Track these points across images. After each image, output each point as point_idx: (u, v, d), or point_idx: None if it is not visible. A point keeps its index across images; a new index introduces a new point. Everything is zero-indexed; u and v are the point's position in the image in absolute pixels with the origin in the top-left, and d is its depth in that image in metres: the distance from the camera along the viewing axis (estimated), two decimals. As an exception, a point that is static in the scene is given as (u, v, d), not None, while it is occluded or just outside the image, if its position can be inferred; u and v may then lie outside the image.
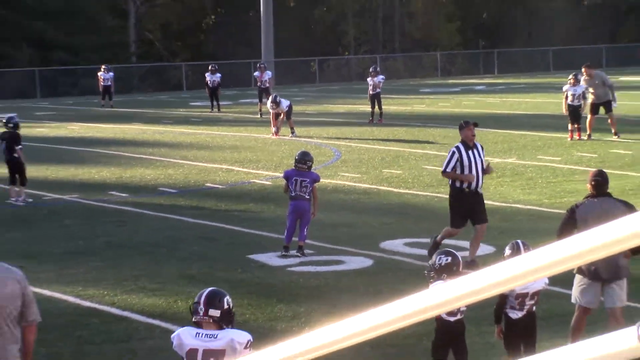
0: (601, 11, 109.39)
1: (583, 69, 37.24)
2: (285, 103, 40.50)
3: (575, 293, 13.25)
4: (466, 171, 18.35)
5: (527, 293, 11.88)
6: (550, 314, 13.73)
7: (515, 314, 12.08)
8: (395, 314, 2.73)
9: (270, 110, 41.50)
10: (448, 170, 18.69)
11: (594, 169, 15.32)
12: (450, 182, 19.02)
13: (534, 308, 12.26)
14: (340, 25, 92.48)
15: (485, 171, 18.80)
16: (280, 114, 41.34)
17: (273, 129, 40.15)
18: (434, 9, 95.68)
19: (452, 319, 11.80)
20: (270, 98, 41.53)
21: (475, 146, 18.74)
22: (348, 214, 24.28)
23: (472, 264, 16.63)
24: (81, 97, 66.17)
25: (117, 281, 18.13)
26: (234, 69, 65.36)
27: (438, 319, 11.88)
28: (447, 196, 26.01)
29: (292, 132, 40.63)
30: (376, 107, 43.96)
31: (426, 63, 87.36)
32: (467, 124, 19.05)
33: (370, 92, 44.31)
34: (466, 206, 18.70)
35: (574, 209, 13.34)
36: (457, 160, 18.45)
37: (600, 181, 13.67)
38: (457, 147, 18.67)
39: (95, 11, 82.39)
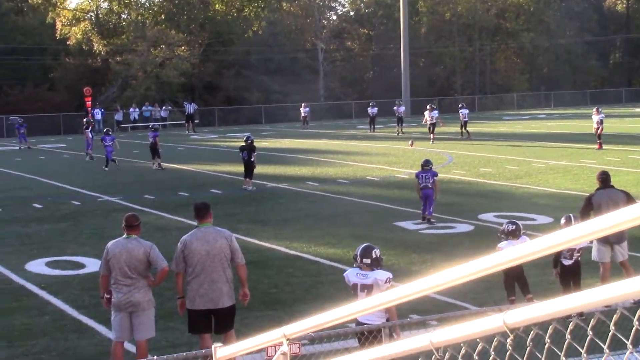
0: (622, 66, 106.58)
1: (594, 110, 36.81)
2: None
3: (594, 253, 13.12)
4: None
5: (575, 248, 11.68)
6: (589, 262, 13.37)
7: (567, 262, 12.00)
8: (489, 263, 2.69)
9: (429, 121, 43.00)
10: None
11: (600, 169, 15.30)
12: None
13: (580, 258, 12.12)
14: (452, 77, 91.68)
15: None
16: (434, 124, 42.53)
17: (430, 137, 41.41)
18: (512, 66, 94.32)
19: (567, 263, 11.83)
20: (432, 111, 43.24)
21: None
22: (457, 196, 24.06)
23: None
24: (289, 123, 66.76)
25: (311, 238, 18.25)
26: (385, 105, 65.17)
27: (559, 264, 12.12)
28: (523, 185, 25.63)
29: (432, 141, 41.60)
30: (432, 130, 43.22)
31: (506, 100, 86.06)
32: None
33: (429, 122, 43.54)
34: None
35: (590, 197, 13.59)
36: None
37: (605, 177, 13.78)
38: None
39: (298, 70, 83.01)
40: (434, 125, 43.23)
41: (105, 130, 37.08)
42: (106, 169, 33.87)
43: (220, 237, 9.98)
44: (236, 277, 10.28)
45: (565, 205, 21.56)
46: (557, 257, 12.01)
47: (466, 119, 44.59)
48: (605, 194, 13.44)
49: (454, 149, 38.32)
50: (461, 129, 44.75)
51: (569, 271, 12.04)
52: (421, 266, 15.23)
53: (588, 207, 13.40)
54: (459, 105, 46.14)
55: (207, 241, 9.91)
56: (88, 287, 14.25)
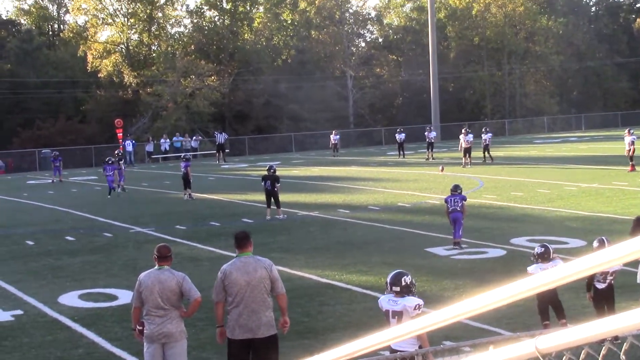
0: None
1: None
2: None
3: (639, 274, 12.86)
4: None
5: (608, 271, 11.57)
6: (623, 286, 13.22)
7: (601, 285, 11.88)
8: (521, 287, 2.68)
9: (464, 145, 43.17)
10: None
11: None
12: None
13: (613, 281, 12.00)
14: (481, 102, 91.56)
15: None
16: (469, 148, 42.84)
17: (466, 161, 41.53)
18: (542, 89, 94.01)
19: (601, 286, 11.75)
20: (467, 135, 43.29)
21: None
22: (489, 221, 23.94)
23: None
24: (319, 150, 66.93)
25: (343, 265, 18.22)
26: (415, 131, 65.17)
27: (592, 288, 11.97)
28: (554, 209, 25.43)
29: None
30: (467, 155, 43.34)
31: (537, 123, 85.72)
32: None
33: (464, 146, 43.50)
34: None
35: (638, 218, 13.25)
36: None
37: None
38: None
39: (328, 97, 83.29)
40: (469, 149, 43.18)
41: (106, 159, 38.18)
42: (109, 197, 35.51)
43: (260, 268, 9.93)
44: (276, 305, 10.25)
45: (598, 228, 21.39)
46: (590, 281, 11.89)
47: (487, 143, 44.42)
48: None
49: (484, 173, 38.16)
50: (483, 153, 44.67)
51: (602, 295, 11.92)
52: (454, 292, 15.15)
53: (637, 230, 13.06)
54: (483, 130, 45.97)
55: (247, 272, 9.86)
56: (120, 319, 14.30)
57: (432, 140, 49.85)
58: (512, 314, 12.58)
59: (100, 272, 19.01)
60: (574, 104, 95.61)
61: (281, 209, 26.55)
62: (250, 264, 9.94)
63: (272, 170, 26.43)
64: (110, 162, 36.97)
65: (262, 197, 31.97)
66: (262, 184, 26.59)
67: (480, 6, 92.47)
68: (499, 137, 77.93)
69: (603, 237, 11.97)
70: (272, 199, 26.37)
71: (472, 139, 43.95)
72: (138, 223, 26.85)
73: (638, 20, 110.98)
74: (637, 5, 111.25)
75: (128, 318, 12.31)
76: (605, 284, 11.87)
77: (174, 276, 9.99)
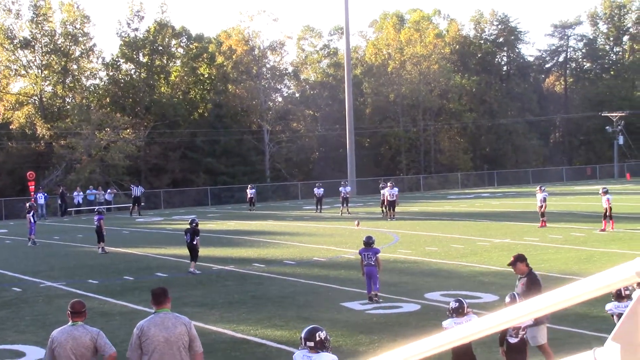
0: (562, 145, 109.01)
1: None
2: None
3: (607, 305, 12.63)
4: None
5: (520, 326, 11.70)
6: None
7: (513, 340, 11.96)
8: (436, 342, 2.69)
9: (389, 199, 43.92)
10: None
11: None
12: None
13: (525, 336, 12.13)
14: (397, 157, 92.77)
15: None
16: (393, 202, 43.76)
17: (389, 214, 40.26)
18: (455, 146, 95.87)
19: (513, 341, 11.85)
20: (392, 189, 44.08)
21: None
22: (404, 276, 24.07)
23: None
24: (236, 205, 66.71)
25: (258, 320, 18.07)
26: (332, 185, 65.52)
27: (505, 342, 12.00)
28: (468, 264, 25.74)
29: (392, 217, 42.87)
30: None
31: (451, 179, 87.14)
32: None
33: (389, 199, 44.09)
34: None
35: None
36: None
37: None
38: None
39: (244, 151, 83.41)
40: (394, 202, 43.71)
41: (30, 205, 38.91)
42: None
43: (179, 324, 9.71)
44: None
45: (510, 283, 21.58)
46: (503, 336, 12.00)
47: (393, 199, 44.48)
48: None
49: (400, 228, 38.49)
50: (382, 207, 45.01)
51: (515, 349, 11.99)
52: (368, 347, 15.13)
53: None
54: (389, 184, 45.74)
55: (165, 327, 9.61)
56: (29, 376, 13.87)
57: (347, 195, 50.17)
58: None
59: (8, 328, 18.46)
60: (487, 160, 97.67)
61: (195, 263, 26.31)
62: (169, 319, 9.72)
63: (193, 224, 26.31)
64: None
65: (176, 250, 31.75)
66: (185, 237, 26.46)
67: (396, 63, 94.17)
68: (414, 192, 78.90)
69: (514, 293, 12.12)
70: (192, 252, 26.22)
71: (397, 192, 44.58)
72: (49, 277, 26.24)
73: (547, 80, 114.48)
74: (546, 66, 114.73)
75: (36, 375, 11.98)
76: (518, 339, 11.96)
77: (88, 332, 9.77)
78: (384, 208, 45.46)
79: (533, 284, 12.82)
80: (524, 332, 12.01)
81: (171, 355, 9.57)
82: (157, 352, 9.56)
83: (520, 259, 13.33)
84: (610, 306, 12.13)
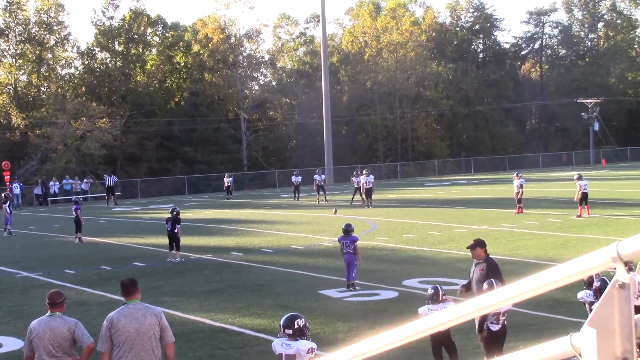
0: (538, 132, 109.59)
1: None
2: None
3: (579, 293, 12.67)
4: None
5: (500, 312, 11.71)
6: (511, 326, 13.47)
7: (495, 327, 11.84)
8: (413, 329, 2.70)
9: (365, 186, 44.04)
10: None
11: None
12: None
13: (506, 322, 12.05)
14: (374, 145, 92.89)
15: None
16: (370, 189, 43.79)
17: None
18: (433, 133, 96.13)
19: (495, 328, 11.78)
20: (368, 176, 44.22)
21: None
22: (381, 263, 24.12)
23: None
24: (213, 193, 66.61)
25: (236, 309, 18.07)
26: (308, 173, 65.47)
27: (484, 329, 11.89)
28: (445, 250, 25.86)
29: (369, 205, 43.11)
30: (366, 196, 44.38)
31: (428, 166, 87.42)
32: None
33: (366, 187, 44.26)
34: None
35: None
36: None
37: None
38: None
39: (221, 139, 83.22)
40: (370, 190, 43.84)
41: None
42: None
43: (149, 314, 9.66)
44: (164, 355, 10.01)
45: (489, 269, 21.84)
46: (482, 322, 11.94)
47: (369, 186, 44.41)
48: None
49: (377, 215, 38.56)
50: (361, 195, 44.99)
51: (496, 336, 11.88)
52: (346, 334, 15.17)
53: None
54: (364, 172, 45.86)
55: (136, 318, 9.56)
56: (6, 367, 13.82)
57: (321, 183, 50.12)
58: (405, 355, 12.66)
59: (-16, 319, 18.36)
60: (464, 147, 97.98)
61: (179, 252, 26.34)
62: (139, 310, 9.66)
63: (174, 212, 26.31)
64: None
65: (153, 240, 31.70)
66: (166, 225, 26.47)
67: (373, 51, 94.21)
68: (391, 179, 79.05)
69: (492, 279, 12.12)
70: (173, 241, 26.23)
71: (373, 180, 44.73)
72: (25, 267, 26.11)
73: (523, 67, 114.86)
74: (522, 53, 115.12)
75: (13, 366, 11.92)
76: (499, 325, 11.88)
77: (65, 322, 9.74)
78: (358, 196, 45.66)
79: (494, 271, 12.79)
80: (504, 318, 11.97)
81: (142, 346, 9.52)
82: (127, 343, 9.50)
83: (480, 244, 13.26)
84: (582, 294, 12.12)
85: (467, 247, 13.38)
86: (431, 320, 2.68)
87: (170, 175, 76.38)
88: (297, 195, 52.68)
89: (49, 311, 9.87)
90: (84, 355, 9.79)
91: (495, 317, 11.74)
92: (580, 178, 34.48)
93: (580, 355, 2.18)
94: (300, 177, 53.63)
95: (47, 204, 60.21)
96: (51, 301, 9.89)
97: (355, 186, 46.37)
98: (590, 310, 11.56)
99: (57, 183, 63.08)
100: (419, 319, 2.77)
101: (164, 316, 9.86)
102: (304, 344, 9.04)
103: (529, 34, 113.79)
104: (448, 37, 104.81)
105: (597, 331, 2.14)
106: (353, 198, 46.50)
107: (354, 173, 47.94)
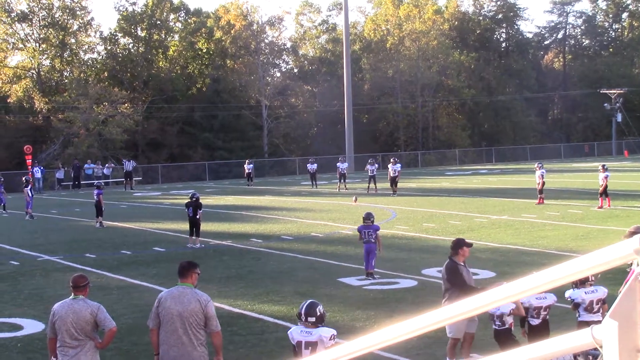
0: (560, 122, 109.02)
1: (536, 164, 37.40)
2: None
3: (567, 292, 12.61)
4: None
5: (542, 306, 11.55)
6: (554, 321, 13.38)
7: (534, 321, 11.62)
8: (433, 319, 2.69)
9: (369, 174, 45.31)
10: None
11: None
12: None
13: (548, 317, 11.80)
14: (395, 134, 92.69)
15: None
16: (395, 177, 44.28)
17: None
18: (454, 122, 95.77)
19: (534, 322, 11.64)
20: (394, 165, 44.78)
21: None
22: (401, 252, 24.11)
23: None
24: (234, 180, 66.76)
25: (255, 295, 18.11)
26: (328, 161, 65.51)
27: (526, 324, 11.75)
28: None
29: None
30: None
31: (449, 156, 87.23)
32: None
33: (392, 175, 44.37)
34: None
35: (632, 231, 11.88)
36: None
37: (632, 232, 11.84)
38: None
39: (242, 126, 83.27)
40: (395, 178, 43.88)
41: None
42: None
43: (195, 301, 9.63)
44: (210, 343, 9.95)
45: (507, 259, 21.79)
46: (523, 317, 11.70)
47: (395, 175, 44.59)
48: None
49: (397, 204, 38.52)
50: (391, 184, 44.94)
51: (536, 331, 11.50)
52: (365, 322, 15.17)
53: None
54: (391, 161, 46.06)
55: (181, 302, 9.58)
56: (25, 350, 13.90)
57: (344, 171, 50.09)
58: (422, 344, 12.65)
59: (6, 302, 18.49)
60: (485, 137, 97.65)
61: (200, 238, 26.39)
62: (187, 294, 9.65)
63: (194, 198, 26.23)
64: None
65: (174, 225, 31.82)
66: (186, 211, 26.41)
67: (395, 39, 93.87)
68: (412, 168, 78.92)
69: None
70: (194, 227, 26.23)
71: (399, 168, 44.84)
72: (46, 251, 26.27)
73: (546, 57, 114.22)
74: (545, 43, 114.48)
75: (34, 349, 12.02)
76: (539, 320, 11.66)
77: (88, 306, 9.76)
78: (372, 185, 46.13)
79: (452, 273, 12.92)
80: (545, 313, 11.67)
81: (184, 330, 9.54)
82: (170, 324, 9.56)
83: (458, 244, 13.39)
84: (570, 293, 11.78)
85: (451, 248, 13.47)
86: (450, 310, 2.67)
87: (191, 161, 76.59)
88: (314, 182, 52.62)
89: (72, 294, 9.90)
90: (106, 339, 9.82)
91: (536, 311, 11.52)
92: (605, 169, 34.07)
93: (601, 347, 2.16)
94: (315, 165, 53.52)
95: (79, 187, 60.36)
96: (75, 284, 9.92)
97: (370, 174, 46.39)
98: (575, 310, 11.55)
99: (91, 165, 63.84)
100: (439, 309, 2.76)
101: (211, 305, 9.77)
102: (326, 331, 9.03)
103: (553, 24, 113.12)
104: (471, 26, 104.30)
105: (618, 324, 2.13)
106: (369, 186, 46.50)
107: (369, 161, 47.93)
